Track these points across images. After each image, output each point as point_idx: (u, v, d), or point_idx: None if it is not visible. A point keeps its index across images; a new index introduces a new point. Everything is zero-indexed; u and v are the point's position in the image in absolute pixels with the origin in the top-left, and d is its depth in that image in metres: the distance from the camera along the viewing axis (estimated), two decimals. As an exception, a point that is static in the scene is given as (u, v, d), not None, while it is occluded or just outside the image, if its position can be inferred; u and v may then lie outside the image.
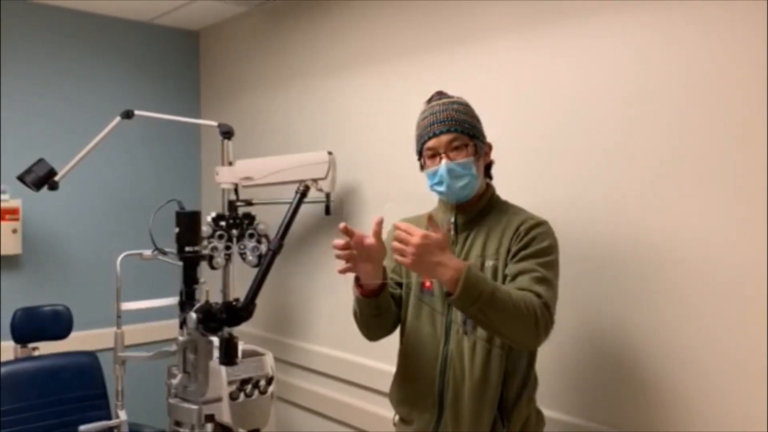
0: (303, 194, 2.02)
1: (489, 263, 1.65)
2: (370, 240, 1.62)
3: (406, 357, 1.80)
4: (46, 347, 2.73)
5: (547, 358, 1.82)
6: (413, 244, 1.47)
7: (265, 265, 2.06)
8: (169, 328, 3.40)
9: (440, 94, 1.78)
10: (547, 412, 1.83)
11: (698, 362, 1.77)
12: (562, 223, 1.79)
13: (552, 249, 1.64)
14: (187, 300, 2.14)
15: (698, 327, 1.77)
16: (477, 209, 1.74)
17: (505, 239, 1.66)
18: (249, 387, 2.72)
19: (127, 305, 2.18)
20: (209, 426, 2.08)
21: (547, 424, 1.78)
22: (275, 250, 2.05)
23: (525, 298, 1.50)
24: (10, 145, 3.11)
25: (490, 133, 1.77)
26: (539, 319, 1.49)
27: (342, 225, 1.62)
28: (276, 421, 2.85)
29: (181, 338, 2.11)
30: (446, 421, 1.67)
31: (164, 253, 2.22)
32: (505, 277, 1.63)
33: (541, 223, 1.67)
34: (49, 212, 3.21)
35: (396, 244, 1.51)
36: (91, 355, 2.74)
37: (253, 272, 1.98)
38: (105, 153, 3.18)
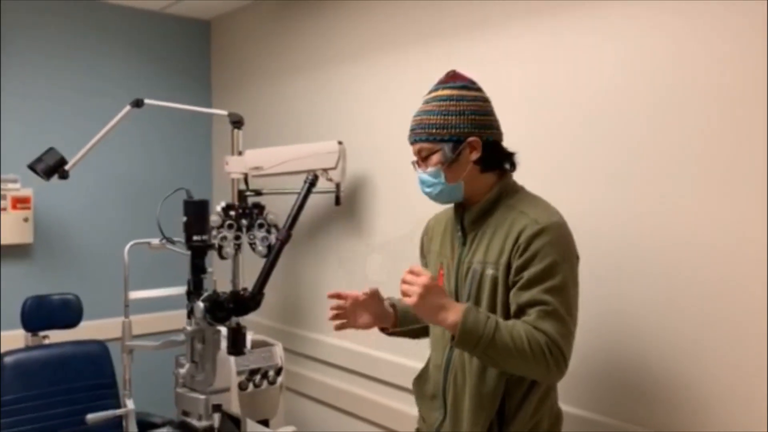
0: (312, 184, 2.01)
1: (489, 272, 1.59)
2: (362, 296, 1.76)
3: (429, 355, 1.83)
4: (56, 336, 2.73)
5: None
6: (420, 284, 1.48)
7: (273, 255, 2.05)
8: (178, 318, 3.40)
9: (447, 80, 1.68)
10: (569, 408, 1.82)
11: (718, 363, 1.73)
12: (581, 222, 1.75)
13: (556, 267, 1.50)
14: (194, 289, 2.13)
15: (718, 326, 1.73)
16: (481, 208, 1.65)
17: (507, 247, 1.57)
18: (258, 377, 2.71)
19: (135, 294, 2.17)
20: (216, 416, 2.07)
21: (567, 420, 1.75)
22: (284, 240, 2.04)
23: (530, 336, 1.46)
24: (21, 134, 3.11)
25: (505, 125, 1.71)
26: (548, 359, 1.46)
27: (330, 293, 1.80)
28: (285, 411, 2.85)
29: (188, 328, 2.10)
30: (448, 422, 1.68)
31: (172, 242, 2.21)
32: (507, 296, 1.56)
33: (543, 230, 1.52)
34: (60, 201, 3.21)
35: (404, 286, 1.52)
36: (101, 344, 2.74)
37: (263, 262, 1.97)
38: (116, 142, 3.19)
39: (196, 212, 2.14)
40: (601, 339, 1.97)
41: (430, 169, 1.64)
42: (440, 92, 1.65)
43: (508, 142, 1.70)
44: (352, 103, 2.86)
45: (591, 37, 1.99)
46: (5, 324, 2.98)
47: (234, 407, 2.59)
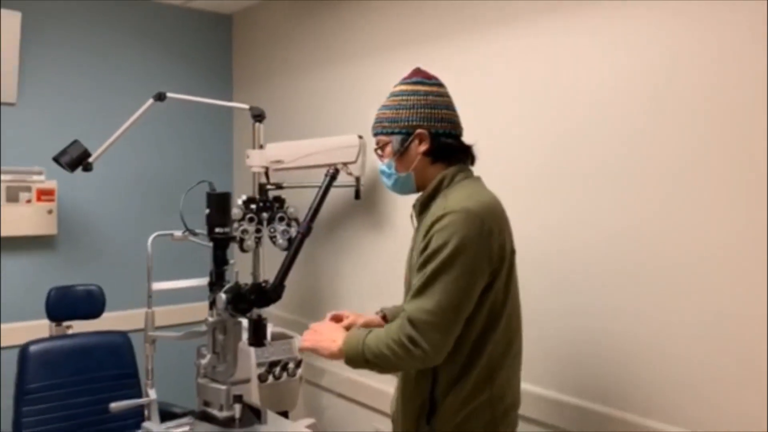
0: (332, 177, 2.02)
1: (416, 260, 1.63)
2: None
3: None
4: (78, 326, 2.77)
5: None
6: (310, 329, 1.78)
7: (294, 248, 2.07)
8: (199, 310, 3.43)
9: (408, 76, 1.76)
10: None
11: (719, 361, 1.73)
12: (567, 220, 1.76)
13: (445, 246, 1.51)
14: (216, 281, 2.16)
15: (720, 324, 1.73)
16: (423, 198, 1.73)
17: (423, 233, 1.62)
18: (278, 369, 2.74)
19: (158, 285, 2.20)
20: (237, 407, 2.09)
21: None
22: (304, 233, 2.06)
23: (389, 339, 1.53)
24: (45, 127, 3.16)
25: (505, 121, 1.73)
26: (411, 353, 1.50)
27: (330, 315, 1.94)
28: (304, 404, 2.87)
29: (210, 319, 2.13)
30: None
31: (195, 234, 2.23)
32: None
33: (446, 215, 1.54)
34: (83, 194, 3.26)
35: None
36: (123, 335, 2.77)
37: (283, 255, 1.99)
38: (137, 135, 3.21)
39: (219, 204, 2.17)
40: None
41: (386, 160, 1.75)
42: (397, 88, 1.75)
43: (525, 142, 1.72)
44: (372, 98, 2.85)
45: (600, 37, 1.98)
46: (29, 314, 3.02)
47: (254, 398, 2.61)
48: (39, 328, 2.81)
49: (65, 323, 2.74)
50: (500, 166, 2.22)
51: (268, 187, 2.86)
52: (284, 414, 2.73)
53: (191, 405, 2.61)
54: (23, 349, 2.57)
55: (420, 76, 1.74)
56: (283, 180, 2.92)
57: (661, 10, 1.83)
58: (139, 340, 2.78)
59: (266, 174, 2.91)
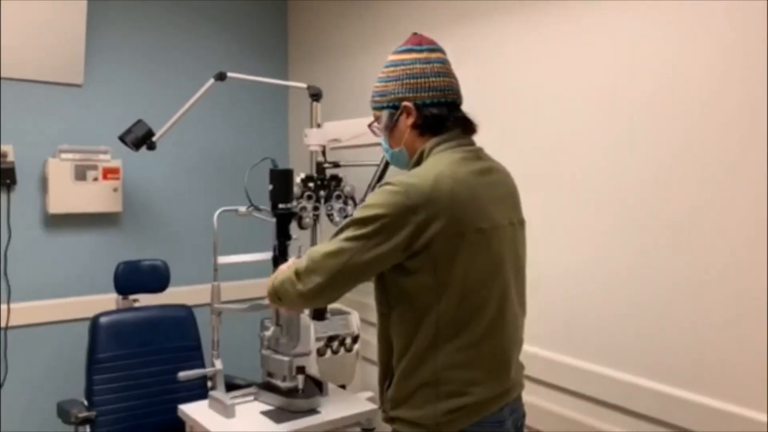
0: (393, 153, 2.04)
1: None
2: None
3: None
4: (144, 299, 2.88)
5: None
6: None
7: None
8: (261, 286, 3.52)
9: (401, 45, 1.68)
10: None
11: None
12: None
13: (365, 208, 1.50)
14: (280, 255, 2.21)
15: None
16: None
17: None
18: (335, 344, 2.78)
19: (224, 259, 2.26)
20: (300, 377, 2.15)
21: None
22: None
23: (289, 271, 1.60)
24: (110, 107, 3.25)
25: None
26: (294, 286, 1.57)
27: None
28: (361, 379, 2.92)
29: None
30: None
31: (259, 210, 2.28)
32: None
33: (381, 186, 1.53)
34: (147, 172, 3.35)
35: None
36: (187, 308, 2.87)
37: None
38: (196, 114, 3.28)
39: (281, 181, 2.22)
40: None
41: (381, 138, 1.72)
42: (389, 58, 1.68)
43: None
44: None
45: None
46: (97, 288, 3.14)
47: (313, 371, 2.67)
48: (106, 301, 2.92)
49: (131, 297, 2.84)
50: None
51: (326, 165, 2.90)
52: (341, 388, 2.78)
53: (253, 378, 2.70)
54: (94, 321, 2.68)
55: (411, 43, 1.67)
56: (340, 158, 2.96)
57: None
58: (201, 315, 2.88)
59: (323, 152, 2.96)
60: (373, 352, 3.19)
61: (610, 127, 2.10)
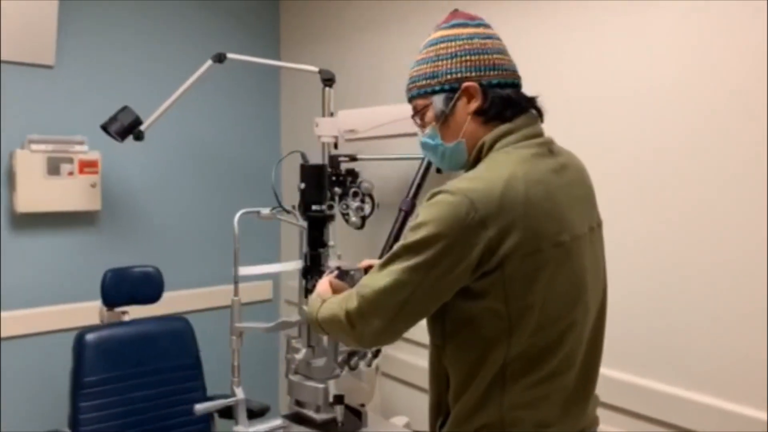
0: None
1: None
2: None
3: None
4: (133, 312, 2.54)
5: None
6: None
7: (398, 228, 1.84)
8: (257, 289, 3.23)
9: (443, 21, 1.41)
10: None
11: None
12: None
13: (418, 228, 1.23)
14: (312, 265, 1.91)
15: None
16: (468, 171, 1.37)
17: None
18: (355, 359, 2.50)
19: (245, 270, 1.93)
20: (339, 408, 1.85)
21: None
22: (408, 210, 1.83)
23: (339, 308, 1.34)
24: (86, 92, 2.87)
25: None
26: (346, 331, 1.33)
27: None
28: (381, 397, 2.64)
29: (305, 307, 1.88)
30: None
31: (287, 212, 1.97)
32: None
33: (433, 195, 1.26)
34: (128, 165, 2.98)
35: None
36: (184, 320, 2.54)
37: (356, 234, 1.75)
38: (182, 101, 2.93)
39: (314, 178, 1.91)
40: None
41: (427, 130, 1.40)
42: (432, 35, 1.40)
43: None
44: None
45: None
46: (74, 296, 2.78)
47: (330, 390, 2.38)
48: (83, 312, 2.63)
49: (119, 309, 2.49)
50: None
51: (341, 159, 2.59)
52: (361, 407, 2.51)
53: (267, 400, 2.41)
54: (79, 339, 2.32)
55: (460, 18, 1.40)
56: (354, 151, 2.65)
57: None
58: (196, 324, 2.56)
59: (335, 144, 2.65)
60: (394, 367, 2.95)
61: (611, 128, 1.99)
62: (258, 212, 1.95)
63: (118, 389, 2.33)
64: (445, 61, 1.35)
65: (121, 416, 2.32)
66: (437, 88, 1.35)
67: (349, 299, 1.31)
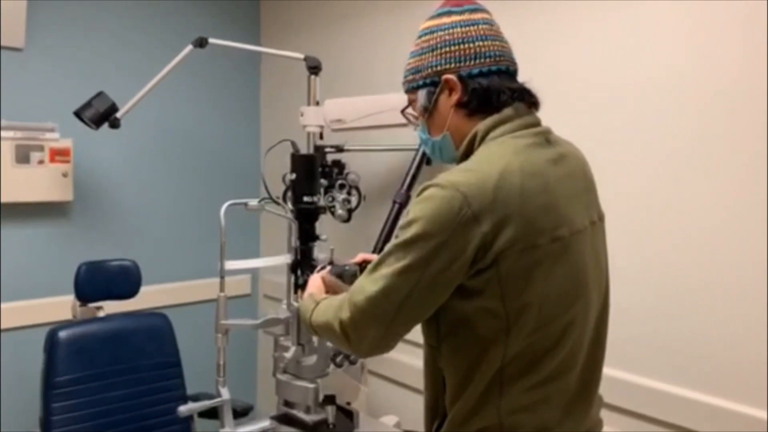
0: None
1: None
2: None
3: None
4: (108, 307, 2.42)
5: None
6: None
7: (392, 221, 1.76)
8: (238, 284, 3.14)
9: (441, 5, 1.35)
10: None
11: None
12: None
13: (409, 225, 1.17)
14: (302, 259, 1.82)
15: None
16: (459, 164, 1.30)
17: None
18: (340, 357, 2.42)
19: (232, 264, 1.83)
20: (330, 409, 1.77)
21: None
22: (402, 203, 1.76)
23: (332, 313, 1.28)
24: (58, 76, 2.74)
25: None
26: (341, 340, 1.27)
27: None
28: (366, 395, 2.56)
29: (296, 304, 1.80)
30: None
31: (277, 203, 1.87)
32: None
33: (424, 190, 1.19)
34: (102, 154, 2.85)
35: None
36: (163, 316, 2.43)
37: (342, 227, 1.68)
38: (159, 88, 2.81)
39: (306, 168, 1.82)
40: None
41: (420, 125, 1.38)
42: (421, 26, 1.36)
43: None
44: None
45: None
46: (44, 290, 2.66)
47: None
48: (53, 306, 2.52)
49: (93, 304, 2.37)
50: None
51: (328, 150, 2.50)
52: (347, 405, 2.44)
53: (242, 398, 2.32)
54: (51, 336, 2.20)
55: (449, 5, 1.34)
56: (344, 141, 2.56)
57: None
58: (174, 318, 2.46)
59: (320, 135, 2.56)
60: (380, 364, 2.87)
61: (613, 122, 1.95)
62: (245, 204, 1.85)
63: (92, 389, 2.21)
64: (426, 55, 1.31)
65: (96, 417, 2.20)
66: (420, 83, 1.32)
67: (342, 308, 1.24)
